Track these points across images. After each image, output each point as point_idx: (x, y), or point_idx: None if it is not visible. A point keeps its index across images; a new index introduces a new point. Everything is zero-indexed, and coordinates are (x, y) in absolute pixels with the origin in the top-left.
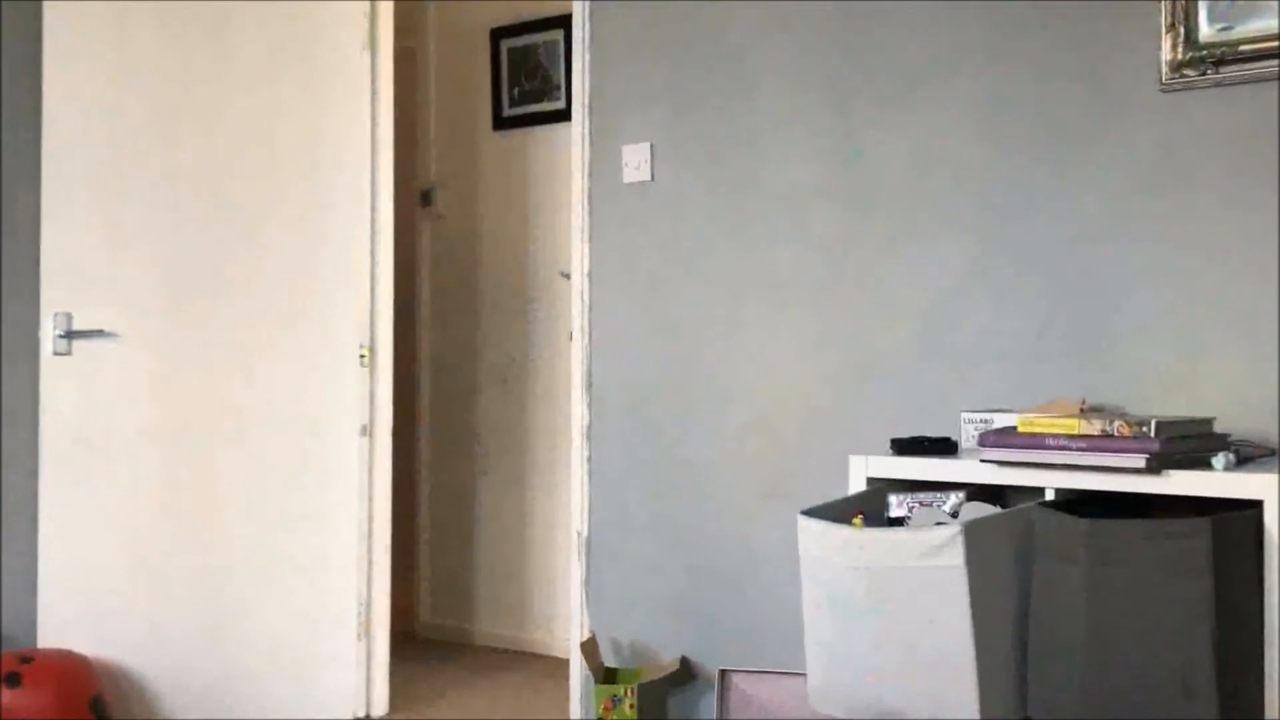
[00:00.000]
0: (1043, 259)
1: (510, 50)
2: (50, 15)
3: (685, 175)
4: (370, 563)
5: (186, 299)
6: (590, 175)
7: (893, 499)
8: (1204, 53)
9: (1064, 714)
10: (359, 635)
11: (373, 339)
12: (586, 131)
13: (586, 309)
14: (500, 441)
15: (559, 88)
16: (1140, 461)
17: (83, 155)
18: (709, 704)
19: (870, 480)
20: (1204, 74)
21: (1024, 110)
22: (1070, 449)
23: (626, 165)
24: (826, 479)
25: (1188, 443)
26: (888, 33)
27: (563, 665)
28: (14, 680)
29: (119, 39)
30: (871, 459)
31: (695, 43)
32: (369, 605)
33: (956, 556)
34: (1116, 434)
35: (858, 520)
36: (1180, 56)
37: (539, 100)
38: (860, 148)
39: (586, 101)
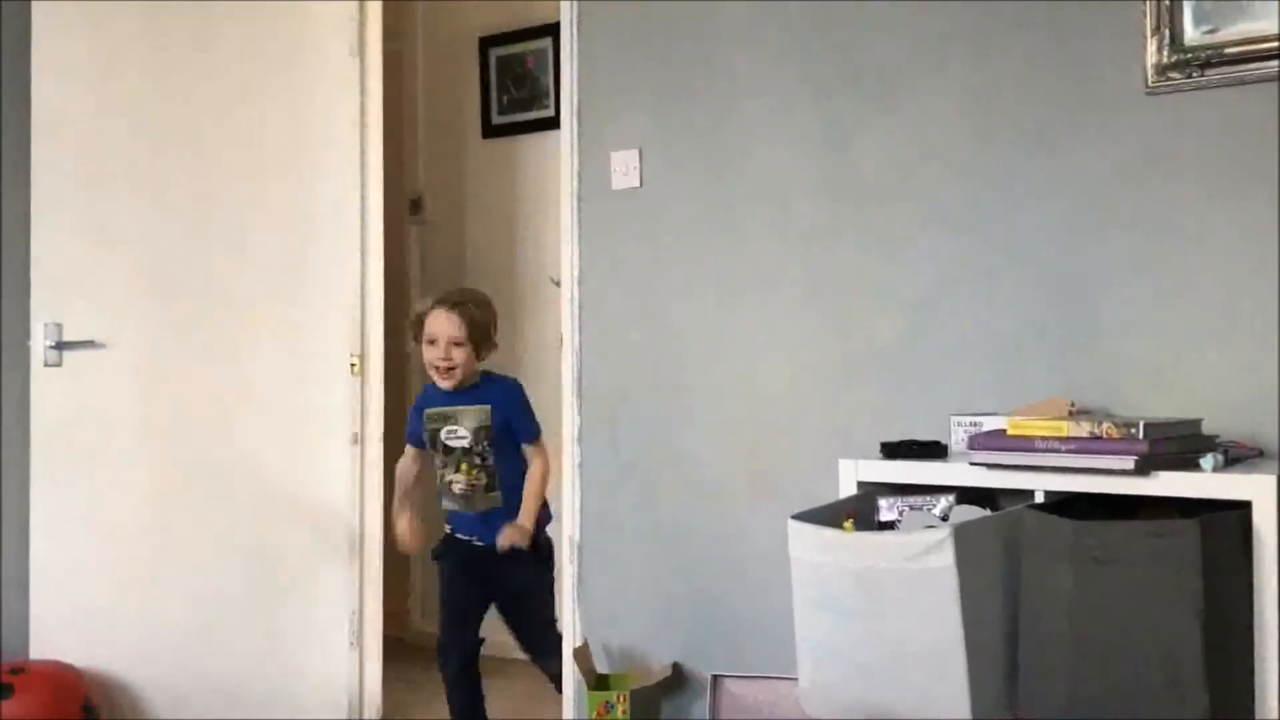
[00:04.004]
0: (1029, 257)
1: (499, 59)
2: (39, 23)
3: (673, 180)
4: (362, 569)
5: (176, 307)
6: (579, 181)
7: (883, 502)
8: (1189, 55)
9: (1054, 713)
10: (351, 642)
11: (363, 347)
12: (575, 138)
13: (576, 314)
14: None
15: (548, 95)
16: (1129, 463)
17: (71, 165)
18: (702, 709)
19: (860, 484)
20: (1189, 76)
21: (1010, 108)
22: (1059, 451)
23: (615, 171)
24: (817, 480)
25: (1176, 444)
26: (873, 32)
27: None
28: (6, 691)
29: (106, 46)
30: (861, 463)
31: (682, 48)
32: (361, 612)
33: (947, 558)
34: (1105, 436)
35: (848, 524)
36: (1165, 59)
37: (528, 108)
38: (847, 147)
39: (575, 108)
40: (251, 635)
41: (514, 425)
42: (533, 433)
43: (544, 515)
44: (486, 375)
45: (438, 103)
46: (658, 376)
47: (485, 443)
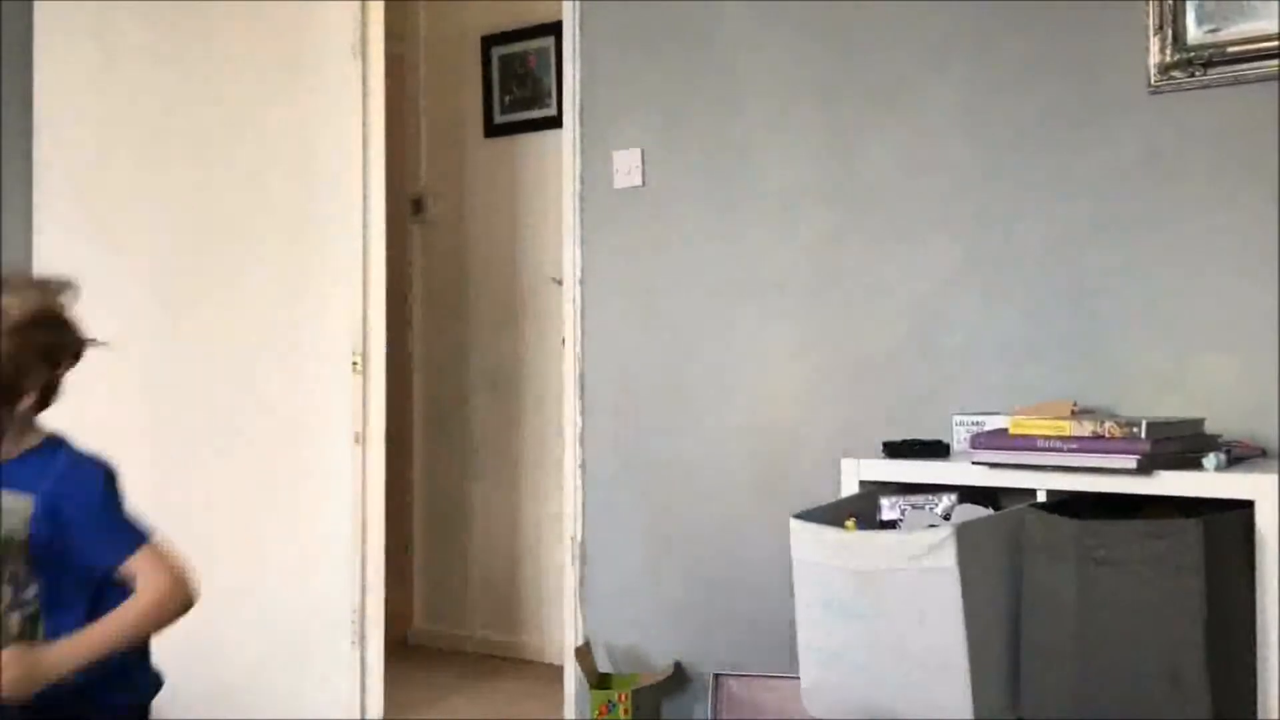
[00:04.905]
0: (1032, 259)
1: (501, 58)
2: (41, 23)
3: (676, 180)
4: (364, 569)
5: (178, 309)
6: (582, 181)
7: (885, 502)
8: (1192, 55)
9: (1056, 713)
10: (353, 643)
11: (365, 346)
12: (577, 137)
13: (578, 314)
14: (492, 447)
15: (550, 94)
16: (1131, 463)
17: (73, 165)
18: (703, 708)
19: (862, 483)
20: (1192, 75)
21: (1013, 112)
22: (1061, 450)
23: (618, 171)
24: (819, 481)
25: (1178, 443)
26: (876, 35)
27: (556, 671)
28: None
29: (107, 47)
30: (863, 462)
31: (685, 48)
32: (362, 612)
33: (949, 558)
34: (1107, 435)
35: (850, 523)
36: (1169, 59)
37: (530, 107)
38: (850, 148)
39: (577, 108)
40: (253, 635)
41: (78, 539)
42: (119, 550)
43: (112, 673)
44: (49, 444)
45: (439, 102)
46: (660, 376)
47: (17, 565)
